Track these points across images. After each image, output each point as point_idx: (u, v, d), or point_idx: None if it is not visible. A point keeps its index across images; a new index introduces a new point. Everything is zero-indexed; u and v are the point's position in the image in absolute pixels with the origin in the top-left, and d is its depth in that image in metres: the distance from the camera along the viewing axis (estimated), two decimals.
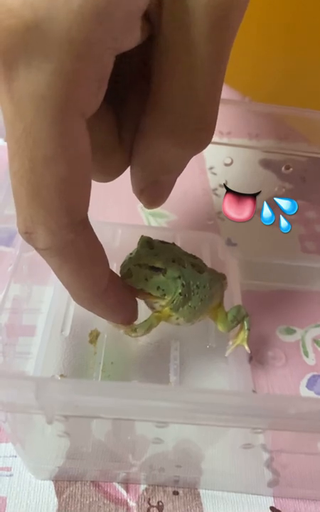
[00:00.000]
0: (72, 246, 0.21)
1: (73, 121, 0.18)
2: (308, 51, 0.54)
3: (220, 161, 0.41)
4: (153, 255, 0.29)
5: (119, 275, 0.29)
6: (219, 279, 0.33)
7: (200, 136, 0.22)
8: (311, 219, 0.48)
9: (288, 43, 0.56)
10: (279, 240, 0.46)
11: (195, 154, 0.23)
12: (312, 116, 0.37)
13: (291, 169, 0.40)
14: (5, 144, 0.57)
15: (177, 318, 0.31)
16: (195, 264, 0.31)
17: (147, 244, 0.30)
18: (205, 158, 0.50)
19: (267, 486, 0.30)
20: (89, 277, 0.23)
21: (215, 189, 0.48)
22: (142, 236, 0.30)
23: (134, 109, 0.23)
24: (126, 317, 0.29)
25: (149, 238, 0.30)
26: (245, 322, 0.35)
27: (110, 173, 0.24)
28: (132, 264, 0.29)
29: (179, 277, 0.29)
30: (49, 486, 0.30)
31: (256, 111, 0.39)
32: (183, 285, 0.30)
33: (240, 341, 0.35)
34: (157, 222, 0.46)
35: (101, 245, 0.23)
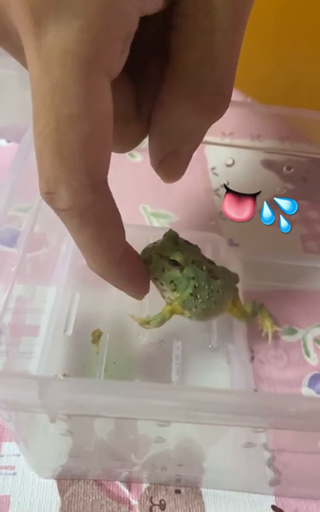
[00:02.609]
0: (93, 207, 0.21)
1: (99, 80, 0.18)
2: (311, 52, 0.54)
3: (222, 162, 0.41)
4: (176, 251, 0.30)
5: None
6: (232, 284, 0.34)
7: (217, 100, 0.22)
8: (312, 219, 0.48)
9: (290, 43, 0.56)
10: (281, 240, 0.46)
11: (212, 122, 0.23)
12: (314, 117, 0.37)
13: (292, 170, 0.40)
14: (5, 145, 0.57)
15: (189, 316, 0.32)
16: (211, 270, 0.32)
17: (173, 239, 0.31)
18: (207, 159, 0.50)
19: (268, 485, 0.30)
20: (107, 242, 0.23)
21: (217, 189, 0.48)
22: (170, 230, 0.31)
23: (152, 79, 0.23)
24: (139, 288, 0.29)
25: (176, 234, 0.31)
26: (264, 310, 0.38)
27: (127, 143, 0.25)
28: (154, 252, 0.30)
29: (193, 278, 0.30)
30: (52, 485, 0.30)
31: (258, 112, 0.39)
32: (195, 287, 0.30)
33: (271, 328, 0.38)
34: (159, 222, 0.46)
35: (119, 212, 0.23)
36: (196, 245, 0.32)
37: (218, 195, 0.47)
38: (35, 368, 0.34)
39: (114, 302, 0.39)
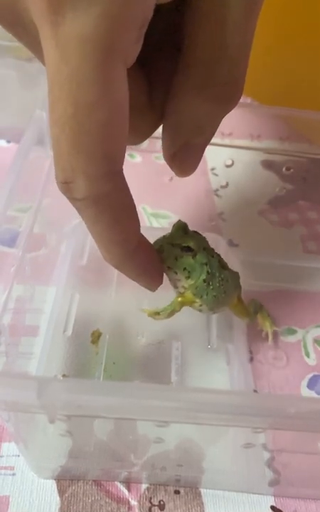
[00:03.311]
0: (109, 197, 0.21)
1: (116, 67, 0.18)
2: (311, 52, 0.54)
3: (222, 162, 0.41)
4: (187, 238, 0.31)
5: None
6: (237, 278, 0.35)
7: (230, 90, 0.22)
8: (312, 219, 0.48)
9: (290, 43, 0.56)
10: (281, 240, 0.47)
11: (225, 112, 0.23)
12: (313, 118, 0.37)
13: (291, 170, 0.40)
14: (5, 145, 0.57)
15: (200, 305, 0.32)
16: (220, 261, 0.32)
17: (182, 229, 0.31)
18: (206, 159, 0.50)
19: (267, 485, 0.30)
20: (123, 232, 0.23)
21: (217, 190, 0.48)
22: (179, 220, 0.32)
23: (164, 71, 0.23)
24: (153, 279, 0.29)
25: (185, 224, 0.31)
26: (264, 310, 0.38)
27: (139, 135, 0.25)
28: (165, 242, 0.30)
29: (206, 264, 0.31)
30: (51, 485, 0.30)
31: (258, 112, 0.39)
32: (208, 272, 0.31)
33: (270, 328, 0.38)
34: (159, 223, 0.46)
35: (133, 202, 0.23)
36: (204, 237, 0.32)
37: (218, 195, 0.47)
38: (35, 369, 0.34)
39: (114, 303, 0.39)
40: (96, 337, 0.36)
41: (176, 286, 0.32)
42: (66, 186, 0.20)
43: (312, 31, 0.53)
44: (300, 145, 0.39)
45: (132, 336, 0.37)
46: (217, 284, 0.31)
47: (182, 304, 0.32)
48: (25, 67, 0.47)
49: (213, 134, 0.25)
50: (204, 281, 0.31)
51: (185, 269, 0.30)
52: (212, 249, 0.32)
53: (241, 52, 0.21)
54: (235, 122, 0.37)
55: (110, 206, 0.22)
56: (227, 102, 0.23)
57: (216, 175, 0.49)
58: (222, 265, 0.32)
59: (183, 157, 0.25)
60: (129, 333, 0.37)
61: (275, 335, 0.39)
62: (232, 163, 0.41)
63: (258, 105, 0.56)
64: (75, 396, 0.20)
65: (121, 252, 0.24)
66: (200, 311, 0.33)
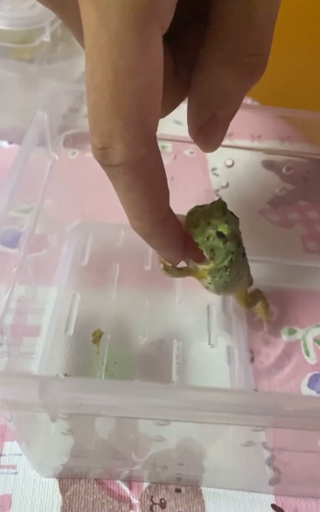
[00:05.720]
0: (145, 162, 0.21)
1: (154, 32, 0.19)
2: (311, 53, 0.54)
3: (222, 163, 0.41)
4: (224, 222, 0.30)
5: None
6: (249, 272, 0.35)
7: (256, 62, 0.22)
8: (312, 219, 0.48)
9: (292, 45, 0.56)
10: (281, 240, 0.47)
11: (250, 85, 0.23)
12: (314, 118, 0.37)
13: (292, 170, 0.40)
14: (7, 146, 0.57)
15: (209, 283, 0.32)
16: (244, 249, 0.32)
17: (222, 208, 0.30)
18: (207, 160, 0.50)
19: (268, 484, 0.31)
20: (155, 199, 0.23)
21: (217, 190, 0.48)
22: (220, 199, 0.31)
23: (189, 45, 0.24)
24: (177, 251, 0.29)
25: (225, 204, 0.31)
26: (264, 301, 0.39)
27: (164, 109, 0.25)
28: (203, 217, 0.29)
29: (232, 253, 0.30)
30: (53, 484, 0.30)
31: (258, 112, 0.39)
32: (231, 260, 0.31)
33: (264, 315, 0.39)
34: None
35: (164, 170, 0.23)
36: (238, 218, 0.32)
37: (219, 195, 0.47)
38: (37, 368, 0.34)
39: (115, 302, 0.39)
40: (97, 337, 0.36)
41: (195, 268, 0.32)
42: (103, 152, 0.21)
43: (312, 31, 0.53)
44: (300, 145, 0.39)
45: (133, 335, 0.37)
46: (235, 273, 0.31)
47: (190, 273, 0.32)
48: (26, 68, 0.47)
49: (238, 108, 0.25)
50: (225, 267, 0.31)
51: (212, 250, 0.30)
52: (240, 234, 0.32)
53: (268, 22, 0.22)
54: (235, 122, 0.37)
55: (145, 172, 0.22)
56: (254, 73, 0.23)
57: (217, 175, 0.49)
58: (244, 253, 0.32)
59: (209, 131, 0.25)
60: (130, 333, 0.37)
61: (276, 333, 0.39)
62: (233, 164, 0.41)
63: (258, 105, 0.56)
64: (76, 395, 0.21)
65: (152, 220, 0.24)
66: (206, 287, 0.33)
